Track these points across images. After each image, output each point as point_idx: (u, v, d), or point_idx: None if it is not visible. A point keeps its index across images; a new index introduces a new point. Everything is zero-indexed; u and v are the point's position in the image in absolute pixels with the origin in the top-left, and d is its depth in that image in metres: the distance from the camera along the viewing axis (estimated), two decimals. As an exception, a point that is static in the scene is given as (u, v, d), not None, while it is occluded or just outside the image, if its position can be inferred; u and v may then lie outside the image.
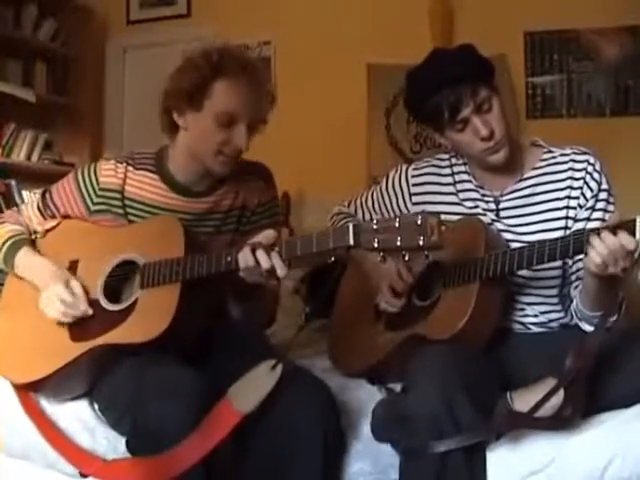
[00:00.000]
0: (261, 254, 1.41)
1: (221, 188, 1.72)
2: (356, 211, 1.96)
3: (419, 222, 1.26)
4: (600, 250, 1.37)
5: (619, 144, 3.50)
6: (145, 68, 4.51)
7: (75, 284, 1.60)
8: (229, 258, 1.46)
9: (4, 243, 1.69)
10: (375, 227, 1.29)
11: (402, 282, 1.73)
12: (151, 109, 1.70)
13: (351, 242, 1.31)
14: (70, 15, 4.33)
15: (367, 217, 1.92)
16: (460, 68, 1.59)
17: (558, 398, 1.39)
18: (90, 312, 1.57)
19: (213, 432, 1.34)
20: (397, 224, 1.28)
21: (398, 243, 1.27)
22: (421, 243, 1.26)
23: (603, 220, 1.59)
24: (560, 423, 1.39)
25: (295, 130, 3.97)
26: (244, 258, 1.42)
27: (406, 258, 1.32)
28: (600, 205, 1.63)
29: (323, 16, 4.12)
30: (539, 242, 1.50)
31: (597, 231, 1.40)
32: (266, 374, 1.40)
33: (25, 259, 1.67)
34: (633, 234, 1.36)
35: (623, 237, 1.36)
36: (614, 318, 1.47)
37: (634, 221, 1.36)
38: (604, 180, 1.65)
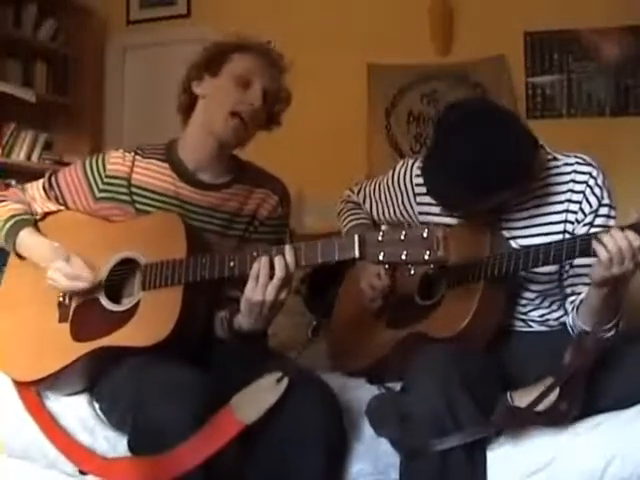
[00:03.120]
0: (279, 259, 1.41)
1: (231, 187, 1.72)
2: (364, 201, 1.96)
3: (425, 235, 1.25)
4: (609, 246, 1.38)
5: (619, 144, 3.50)
6: (145, 68, 4.50)
7: (75, 259, 1.59)
8: (232, 263, 1.46)
9: (7, 221, 1.69)
10: (380, 239, 1.28)
11: (379, 281, 1.77)
12: (151, 109, 1.70)
13: (356, 255, 1.31)
14: (70, 15, 4.33)
15: (374, 208, 1.92)
16: (461, 203, 1.57)
17: (555, 394, 1.39)
18: (97, 279, 1.58)
19: (214, 438, 1.34)
20: (403, 237, 1.27)
21: (403, 257, 1.26)
22: (427, 257, 1.25)
23: None
24: (557, 417, 1.39)
25: (295, 130, 3.93)
26: (259, 263, 1.42)
27: (412, 272, 1.31)
28: (599, 221, 1.59)
29: (323, 16, 4.12)
30: (545, 243, 1.50)
31: (606, 229, 1.42)
32: (271, 387, 1.39)
33: (27, 239, 1.68)
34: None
35: (630, 234, 1.38)
36: (612, 333, 1.51)
37: None
38: (605, 195, 1.60)
